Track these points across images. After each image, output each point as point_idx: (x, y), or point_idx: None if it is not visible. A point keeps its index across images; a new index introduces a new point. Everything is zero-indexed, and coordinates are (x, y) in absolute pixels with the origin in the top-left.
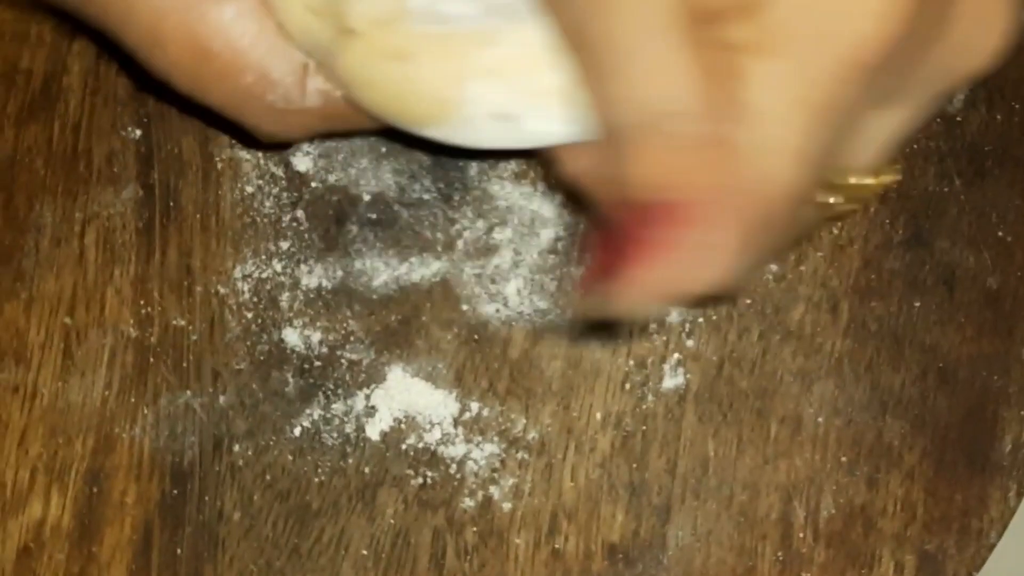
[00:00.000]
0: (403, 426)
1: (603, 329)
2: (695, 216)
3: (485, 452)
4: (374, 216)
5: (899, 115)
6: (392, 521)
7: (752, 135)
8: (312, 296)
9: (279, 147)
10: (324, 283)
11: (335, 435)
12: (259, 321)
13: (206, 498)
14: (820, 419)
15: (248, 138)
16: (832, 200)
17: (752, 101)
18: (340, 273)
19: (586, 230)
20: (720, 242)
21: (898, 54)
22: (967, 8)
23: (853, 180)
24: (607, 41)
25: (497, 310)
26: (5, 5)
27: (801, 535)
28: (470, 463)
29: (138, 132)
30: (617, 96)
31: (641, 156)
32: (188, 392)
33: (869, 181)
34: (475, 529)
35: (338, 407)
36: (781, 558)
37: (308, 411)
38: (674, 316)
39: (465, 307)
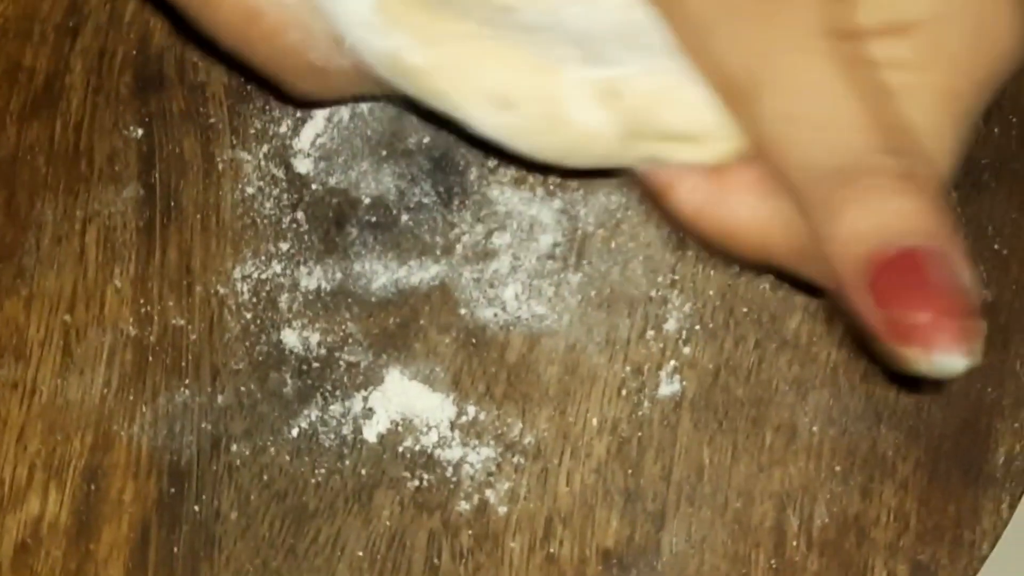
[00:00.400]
0: (400, 428)
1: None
2: (939, 254)
3: (481, 456)
4: (374, 219)
5: None
6: (388, 523)
7: (920, 136)
8: (311, 298)
9: (307, 105)
10: (323, 285)
11: (332, 436)
12: (258, 322)
13: (203, 497)
14: (815, 428)
15: (281, 94)
16: None
17: (911, 114)
18: (339, 275)
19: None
20: (966, 268)
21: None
22: None
23: None
24: (770, 76)
25: (495, 314)
26: (8, 2)
27: (795, 543)
28: (466, 466)
29: (140, 131)
30: (802, 140)
31: (855, 207)
32: (186, 391)
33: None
34: (470, 532)
35: (336, 409)
36: (775, 566)
37: (306, 412)
38: (671, 324)
39: (463, 311)
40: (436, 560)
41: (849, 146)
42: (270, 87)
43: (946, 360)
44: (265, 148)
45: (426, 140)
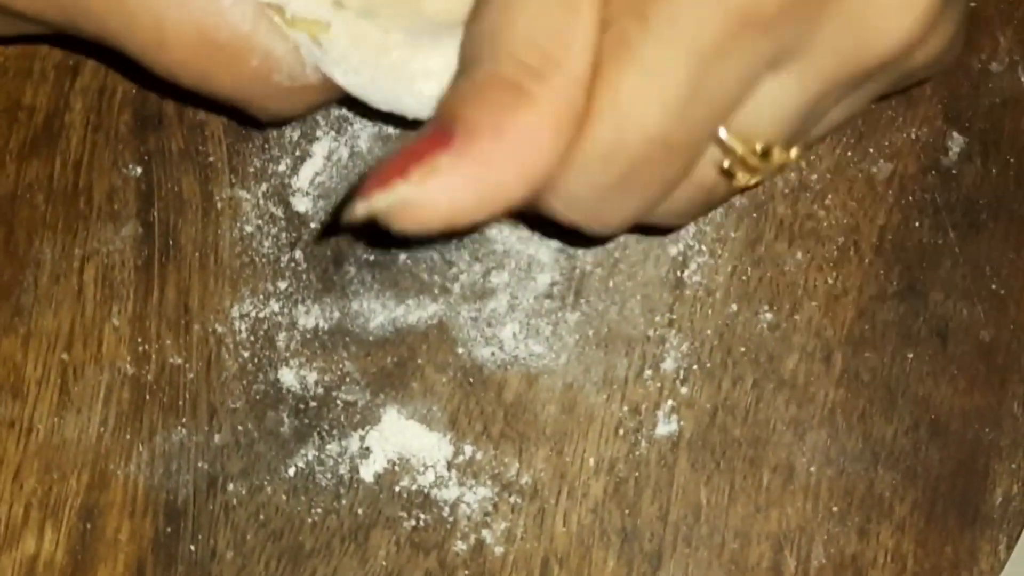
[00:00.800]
0: (397, 468)
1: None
2: (461, 150)
3: (478, 496)
4: (372, 258)
5: (798, 82)
6: (384, 563)
7: (632, 76)
8: (309, 336)
9: (278, 124)
10: (321, 324)
11: (329, 476)
12: (255, 360)
13: (199, 537)
14: (812, 468)
15: (248, 120)
16: (727, 165)
17: (635, 43)
18: (337, 314)
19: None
20: (469, 181)
21: (789, 14)
22: None
23: (752, 148)
24: None
25: (492, 353)
26: (8, 41)
27: None
28: (463, 506)
29: (139, 170)
30: (484, 25)
31: (459, 83)
32: (183, 430)
33: (772, 153)
34: (467, 573)
35: (332, 448)
36: None
37: (303, 451)
38: (669, 363)
39: (461, 350)
40: None
41: (530, 59)
42: (239, 114)
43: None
44: (264, 187)
45: None
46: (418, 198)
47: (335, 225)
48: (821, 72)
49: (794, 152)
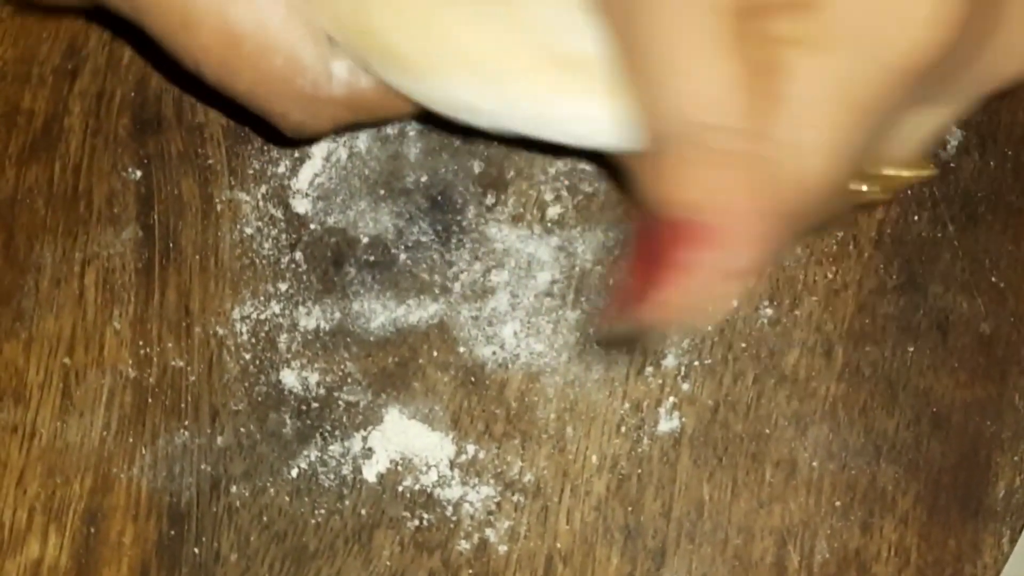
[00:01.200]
0: (400, 468)
1: (625, 344)
2: (726, 239)
3: (481, 495)
4: (372, 258)
5: (940, 114)
6: (388, 563)
7: (791, 131)
8: (310, 338)
9: (303, 143)
10: (322, 325)
11: (332, 477)
12: (257, 362)
13: (203, 539)
14: (814, 463)
15: (275, 134)
16: (864, 188)
17: (794, 96)
18: (338, 315)
19: (628, 240)
20: (749, 260)
21: (945, 60)
22: (1015, 11)
23: (888, 172)
24: (651, 42)
25: (494, 352)
26: (7, 45)
27: None
28: (466, 505)
29: (138, 173)
30: (660, 102)
31: (676, 172)
32: (186, 433)
33: (904, 173)
34: (471, 572)
35: (335, 449)
36: None
37: (305, 452)
38: (670, 360)
39: (462, 349)
40: None
41: (704, 118)
42: (263, 125)
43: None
44: (263, 188)
45: (424, 179)
46: (695, 300)
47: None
48: (968, 98)
49: (929, 169)
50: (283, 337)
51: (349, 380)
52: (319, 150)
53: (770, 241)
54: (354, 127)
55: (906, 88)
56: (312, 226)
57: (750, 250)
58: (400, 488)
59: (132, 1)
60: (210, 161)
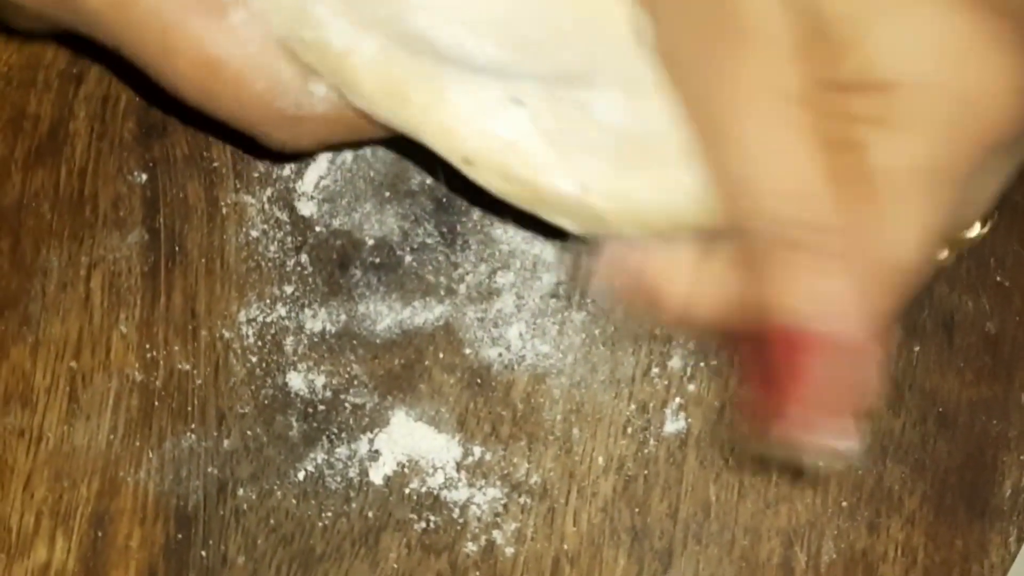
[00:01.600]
0: (406, 470)
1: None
2: (846, 346)
3: (488, 496)
4: (378, 260)
5: (1007, 171)
6: (395, 565)
7: (886, 218)
8: (316, 340)
9: (290, 158)
10: (328, 327)
11: (339, 479)
12: (263, 365)
13: (210, 542)
14: (821, 463)
15: (260, 149)
16: (945, 255)
17: (884, 179)
18: (344, 317)
19: (733, 355)
20: (873, 361)
21: None
22: None
23: (964, 235)
24: (727, 133)
25: (499, 354)
26: (13, 50)
27: None
28: (473, 507)
29: (144, 177)
30: (744, 195)
31: (780, 279)
32: (192, 436)
33: (975, 233)
34: (478, 574)
35: (342, 451)
36: None
37: (312, 455)
38: (676, 361)
39: (468, 351)
40: None
41: (792, 214)
42: (249, 140)
43: (808, 449)
44: (269, 191)
45: (429, 181)
46: (829, 411)
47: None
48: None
49: (990, 224)
50: (289, 340)
51: (355, 382)
52: (324, 153)
53: (886, 337)
54: (338, 146)
55: (987, 159)
56: (317, 228)
57: (873, 352)
58: (407, 490)
59: (109, 28)
60: (215, 164)
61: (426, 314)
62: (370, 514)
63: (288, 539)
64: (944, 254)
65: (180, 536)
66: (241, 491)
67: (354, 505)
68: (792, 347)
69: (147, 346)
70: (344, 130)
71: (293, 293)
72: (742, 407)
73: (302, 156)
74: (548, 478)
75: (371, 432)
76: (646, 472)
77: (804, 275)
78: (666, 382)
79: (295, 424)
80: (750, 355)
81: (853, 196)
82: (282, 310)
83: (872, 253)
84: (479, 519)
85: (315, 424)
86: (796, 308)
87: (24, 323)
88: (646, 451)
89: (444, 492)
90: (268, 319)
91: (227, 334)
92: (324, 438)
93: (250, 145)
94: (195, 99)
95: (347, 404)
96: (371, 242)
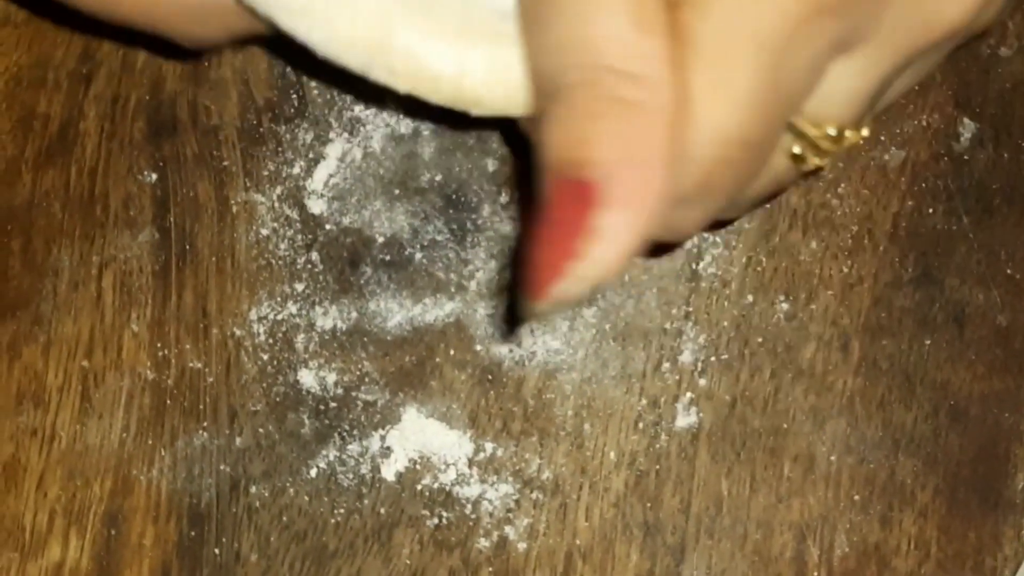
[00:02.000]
0: (418, 467)
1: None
2: (612, 197)
3: (500, 492)
4: (388, 258)
5: (868, 64)
6: (408, 561)
7: (698, 75)
8: (327, 338)
9: (199, 54)
10: (339, 325)
11: (351, 476)
12: (275, 363)
13: (223, 540)
14: (833, 457)
15: (171, 47)
16: (797, 150)
17: (698, 38)
18: (354, 315)
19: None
20: (650, 219)
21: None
22: None
23: (824, 132)
24: None
25: (510, 350)
26: (22, 50)
27: (815, 574)
28: (485, 503)
29: (154, 176)
30: (560, 45)
31: (577, 125)
32: (205, 434)
33: (845, 135)
34: (491, 569)
35: (354, 448)
36: None
37: (324, 452)
38: (687, 356)
39: (479, 347)
40: None
41: (608, 62)
42: (163, 41)
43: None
44: (279, 190)
45: (438, 178)
46: (596, 268)
47: (513, 320)
48: (892, 50)
49: (865, 130)
50: (300, 337)
51: (367, 379)
52: (333, 150)
53: (659, 197)
54: (253, 40)
55: (815, 26)
56: (328, 226)
57: (652, 205)
58: (419, 487)
59: None
60: (225, 163)
61: (437, 311)
62: (382, 511)
63: (301, 536)
64: (798, 149)
65: (193, 534)
66: (254, 488)
67: (366, 502)
68: (576, 198)
69: (159, 345)
70: (249, 19)
71: (304, 291)
72: (526, 267)
73: (213, 50)
74: (560, 474)
75: (383, 429)
76: (658, 467)
77: (599, 121)
78: (677, 377)
79: (307, 421)
80: (544, 212)
81: (674, 53)
82: (293, 308)
83: (682, 113)
84: (491, 515)
85: (327, 421)
86: (584, 156)
87: (36, 323)
88: (657, 446)
89: (456, 488)
90: (279, 317)
91: (238, 332)
92: (336, 435)
93: (170, 48)
94: (97, 2)
95: (359, 401)
96: (381, 239)
